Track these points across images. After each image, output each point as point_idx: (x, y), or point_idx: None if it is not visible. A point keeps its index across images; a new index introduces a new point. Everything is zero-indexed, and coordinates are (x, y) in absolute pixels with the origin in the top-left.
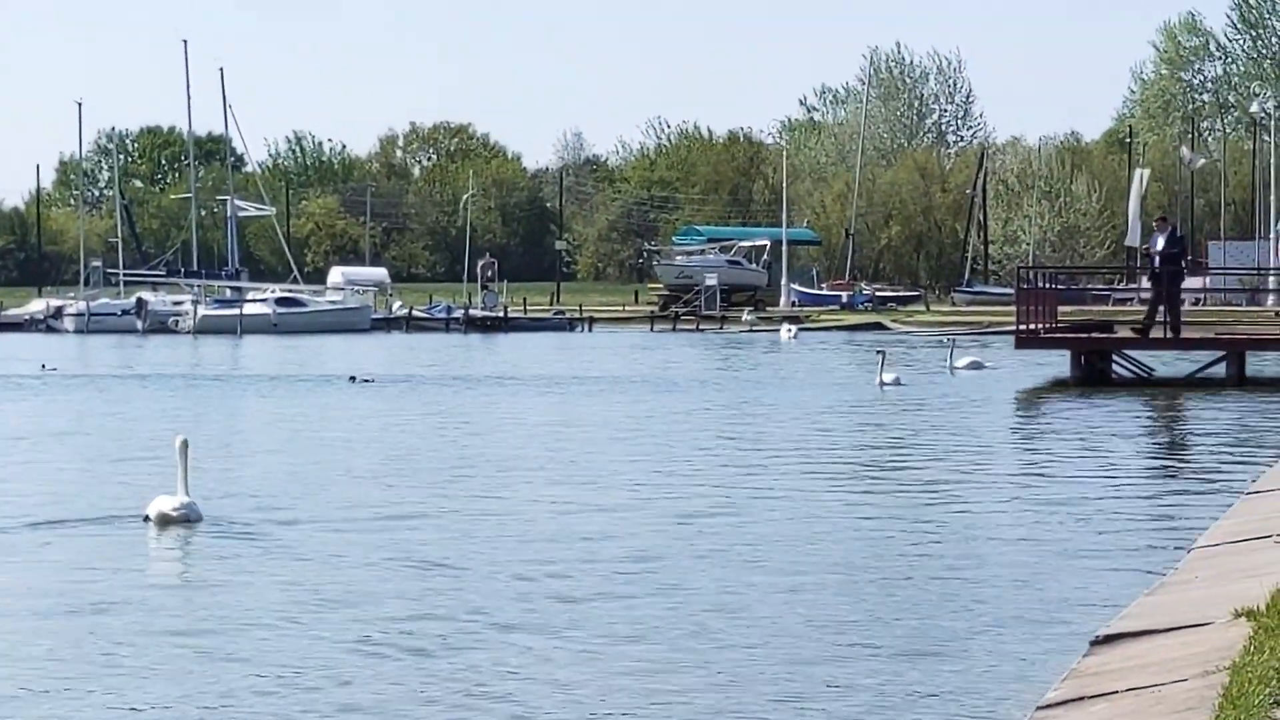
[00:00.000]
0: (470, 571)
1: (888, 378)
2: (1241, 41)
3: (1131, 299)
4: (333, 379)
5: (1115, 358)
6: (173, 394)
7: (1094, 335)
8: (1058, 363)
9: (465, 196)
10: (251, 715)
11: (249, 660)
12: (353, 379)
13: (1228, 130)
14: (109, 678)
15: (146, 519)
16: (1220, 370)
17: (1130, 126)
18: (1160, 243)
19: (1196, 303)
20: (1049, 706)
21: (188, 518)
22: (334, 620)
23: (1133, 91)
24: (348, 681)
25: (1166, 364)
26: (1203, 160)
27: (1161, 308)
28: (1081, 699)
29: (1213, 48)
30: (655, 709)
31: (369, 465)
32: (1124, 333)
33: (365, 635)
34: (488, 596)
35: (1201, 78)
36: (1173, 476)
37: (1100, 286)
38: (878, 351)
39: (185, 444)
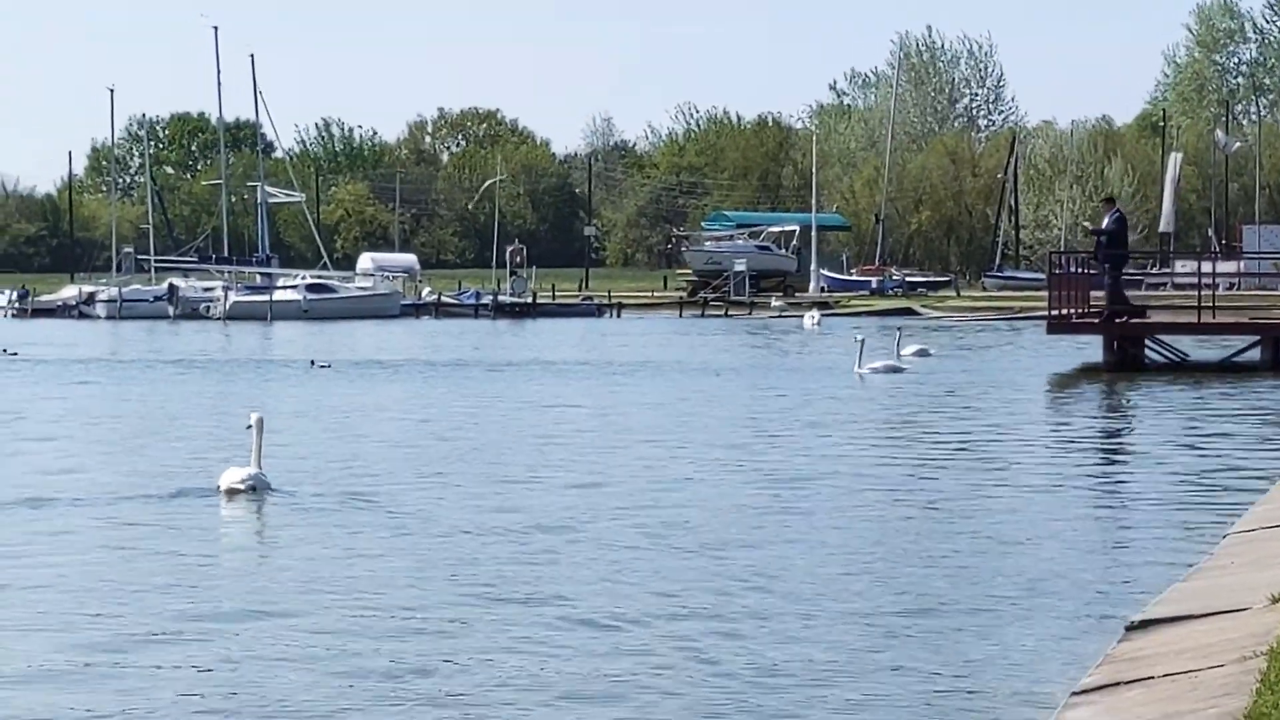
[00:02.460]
0: (507, 539)
1: (877, 364)
2: (1277, 24)
3: (1165, 284)
4: (365, 365)
5: (1148, 343)
6: (221, 378)
7: (1127, 320)
8: (1090, 348)
9: (488, 183)
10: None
11: (310, 615)
12: (313, 363)
13: (1262, 113)
14: (188, 635)
15: (219, 491)
16: (1254, 355)
17: (1164, 110)
18: (1105, 223)
19: (1231, 287)
20: (1084, 692)
21: (255, 488)
22: (412, 581)
23: (1166, 75)
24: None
25: (1204, 347)
26: (1237, 144)
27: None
28: (1117, 684)
29: (1248, 30)
30: (713, 673)
31: (423, 443)
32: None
33: (430, 597)
34: (522, 563)
35: (1236, 60)
36: (1207, 462)
37: (1133, 271)
38: (858, 340)
39: (260, 421)
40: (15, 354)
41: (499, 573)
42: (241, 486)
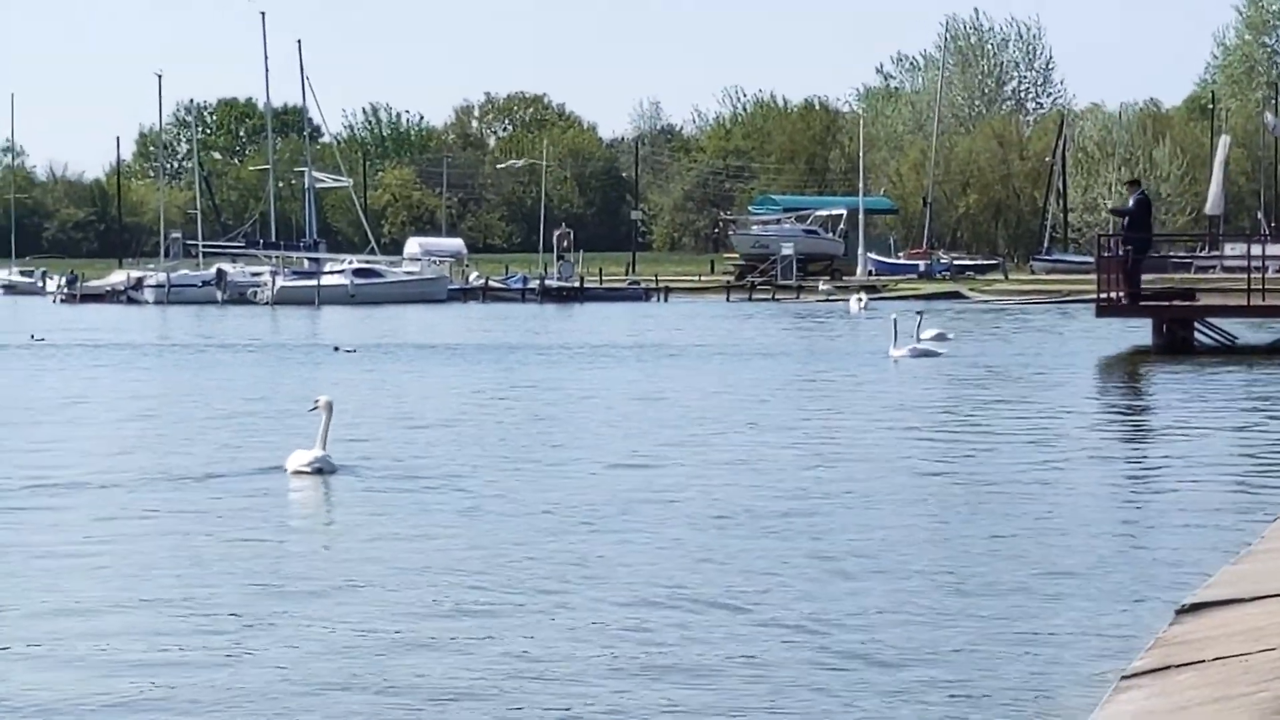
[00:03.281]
0: (563, 518)
1: (906, 349)
2: None
3: (1214, 266)
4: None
5: (1197, 326)
6: (279, 364)
7: (1176, 303)
8: (1139, 331)
9: (521, 163)
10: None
11: (383, 592)
12: (336, 349)
13: None
14: (260, 610)
15: (287, 472)
16: None
17: (1213, 92)
18: (1128, 205)
19: None
20: (1135, 675)
21: (322, 469)
22: (464, 561)
23: (1215, 57)
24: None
25: (1254, 330)
26: None
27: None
28: (1167, 668)
29: None
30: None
31: (478, 425)
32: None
33: (491, 577)
34: (583, 539)
35: None
36: (1256, 445)
37: (1182, 254)
38: (898, 316)
39: (330, 404)
40: (43, 339)
41: (566, 551)
42: (308, 468)
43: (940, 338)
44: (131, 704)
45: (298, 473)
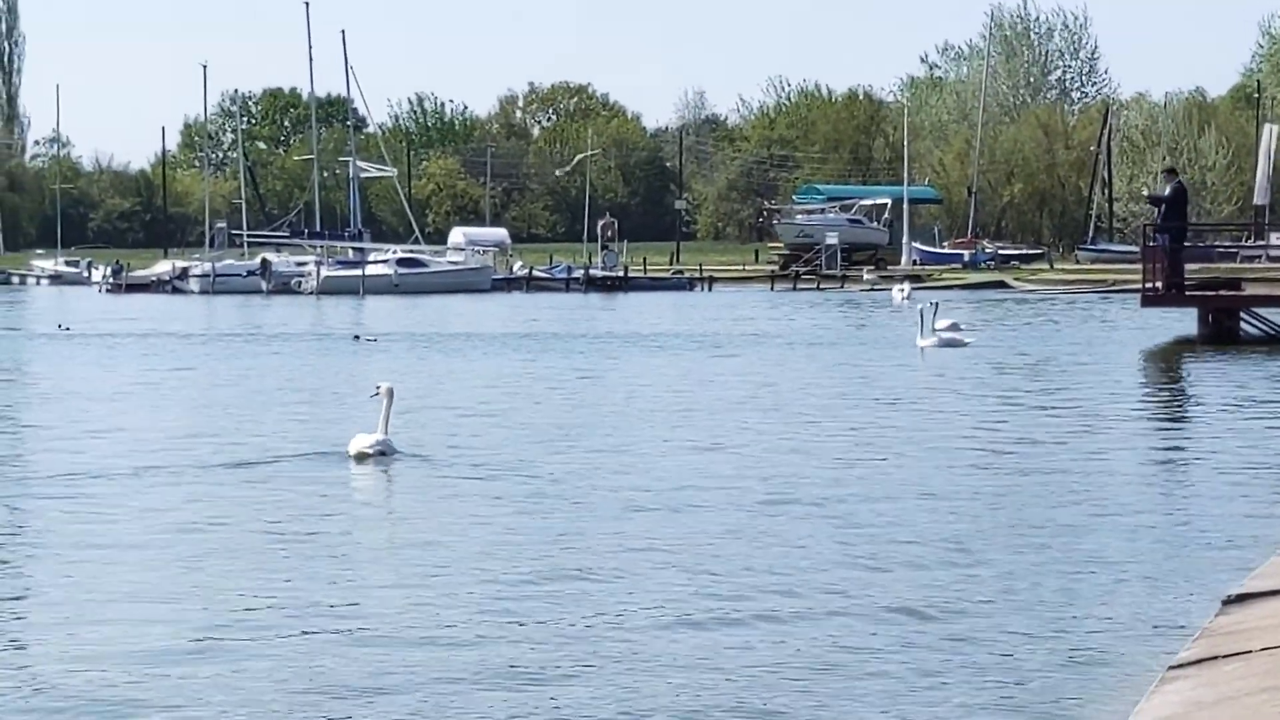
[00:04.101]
0: (623, 501)
1: (928, 341)
2: None
3: (1260, 255)
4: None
5: (1243, 315)
6: (333, 354)
7: (1221, 293)
8: (1185, 321)
9: (580, 156)
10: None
11: (436, 568)
12: (356, 338)
13: None
14: (330, 584)
15: (349, 456)
16: None
17: (1258, 82)
18: (1165, 193)
19: None
20: (1181, 666)
21: (384, 453)
22: (515, 542)
23: (1260, 46)
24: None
25: None
26: None
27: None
28: (1215, 658)
29: None
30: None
31: (530, 412)
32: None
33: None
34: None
35: None
36: None
37: (1227, 243)
38: (926, 305)
39: (391, 390)
40: (69, 329)
41: (629, 534)
42: (370, 451)
43: (954, 328)
44: (192, 685)
45: (360, 455)
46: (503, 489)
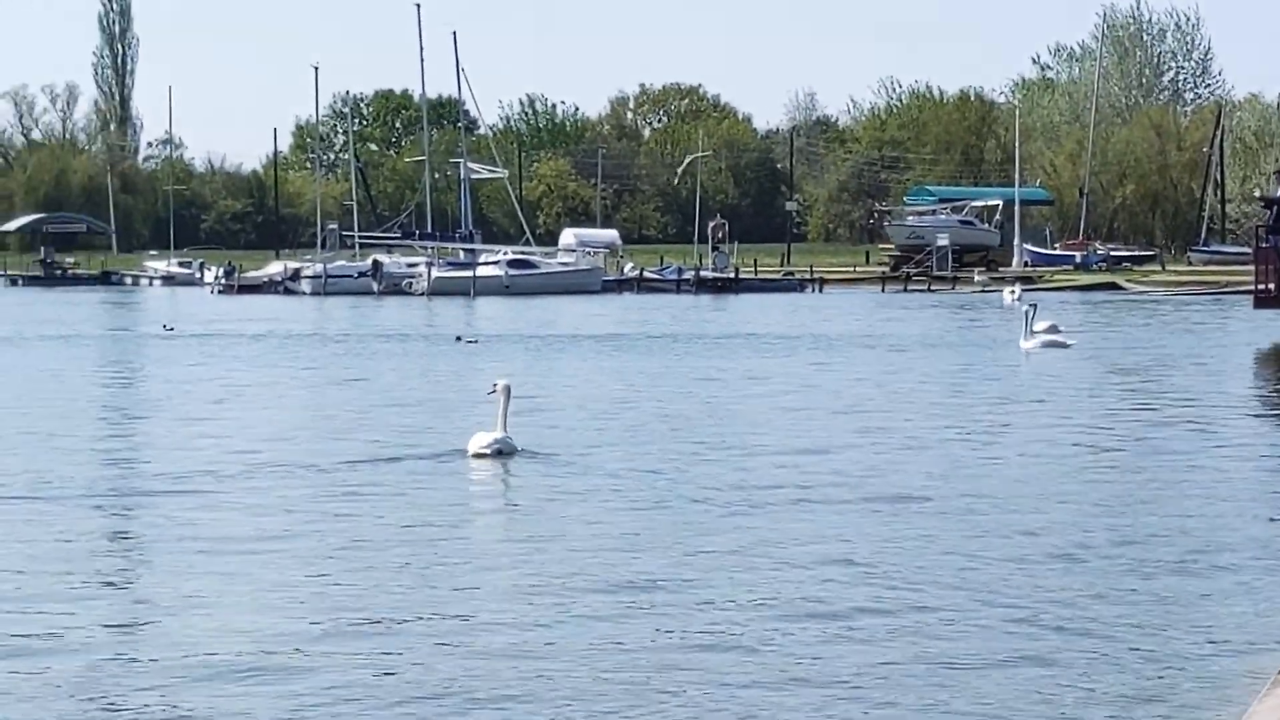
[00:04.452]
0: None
1: (1039, 327)
2: None
3: None
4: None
5: None
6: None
7: None
8: None
9: (690, 157)
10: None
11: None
12: (459, 339)
13: None
14: (449, 579)
15: (468, 454)
16: None
17: None
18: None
19: None
20: None
21: (502, 451)
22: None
23: None
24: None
25: None
26: None
27: None
28: None
29: None
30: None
31: (645, 412)
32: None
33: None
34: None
35: None
36: None
37: None
38: (1027, 306)
39: (508, 388)
40: (172, 329)
41: (745, 534)
42: (488, 450)
43: (1053, 329)
44: (316, 670)
45: (478, 455)
46: (622, 487)
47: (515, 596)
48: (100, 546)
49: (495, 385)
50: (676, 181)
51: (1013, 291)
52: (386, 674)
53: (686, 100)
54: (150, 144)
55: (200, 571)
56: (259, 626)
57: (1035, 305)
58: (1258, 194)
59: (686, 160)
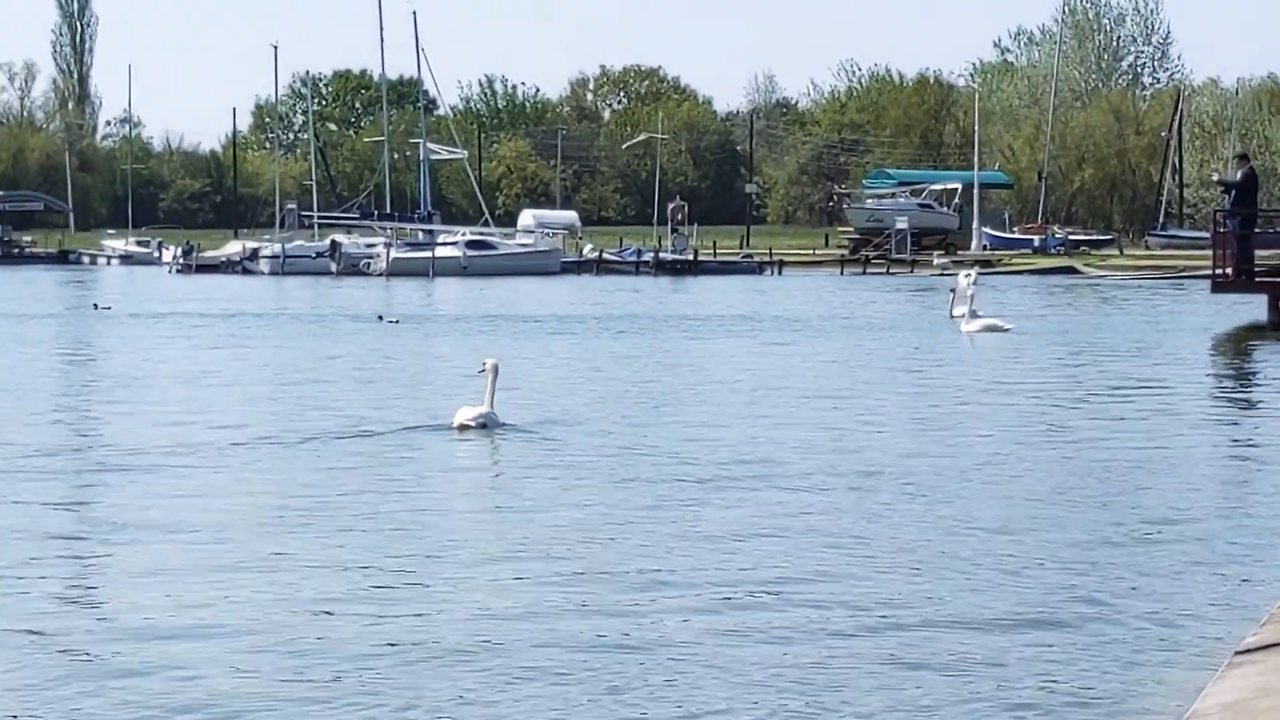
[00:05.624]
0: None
1: (958, 310)
2: None
3: None
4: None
5: None
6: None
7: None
8: (1255, 308)
9: (645, 135)
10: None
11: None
12: (380, 318)
13: None
14: (441, 549)
15: (454, 427)
16: None
17: None
18: (1237, 179)
19: None
20: (1249, 651)
21: (486, 425)
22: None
23: None
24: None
25: None
26: None
27: None
28: None
29: None
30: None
31: (616, 390)
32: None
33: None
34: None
35: None
36: None
37: None
38: (963, 284)
39: (496, 366)
40: (109, 309)
41: (717, 511)
42: (473, 423)
43: (974, 315)
44: (288, 649)
45: (464, 426)
46: (604, 463)
47: (485, 567)
48: (55, 525)
49: (484, 364)
50: (626, 148)
51: (968, 275)
52: (356, 642)
53: (647, 82)
54: (109, 123)
55: (164, 547)
56: (214, 599)
57: (953, 289)
58: (1215, 179)
59: (641, 136)
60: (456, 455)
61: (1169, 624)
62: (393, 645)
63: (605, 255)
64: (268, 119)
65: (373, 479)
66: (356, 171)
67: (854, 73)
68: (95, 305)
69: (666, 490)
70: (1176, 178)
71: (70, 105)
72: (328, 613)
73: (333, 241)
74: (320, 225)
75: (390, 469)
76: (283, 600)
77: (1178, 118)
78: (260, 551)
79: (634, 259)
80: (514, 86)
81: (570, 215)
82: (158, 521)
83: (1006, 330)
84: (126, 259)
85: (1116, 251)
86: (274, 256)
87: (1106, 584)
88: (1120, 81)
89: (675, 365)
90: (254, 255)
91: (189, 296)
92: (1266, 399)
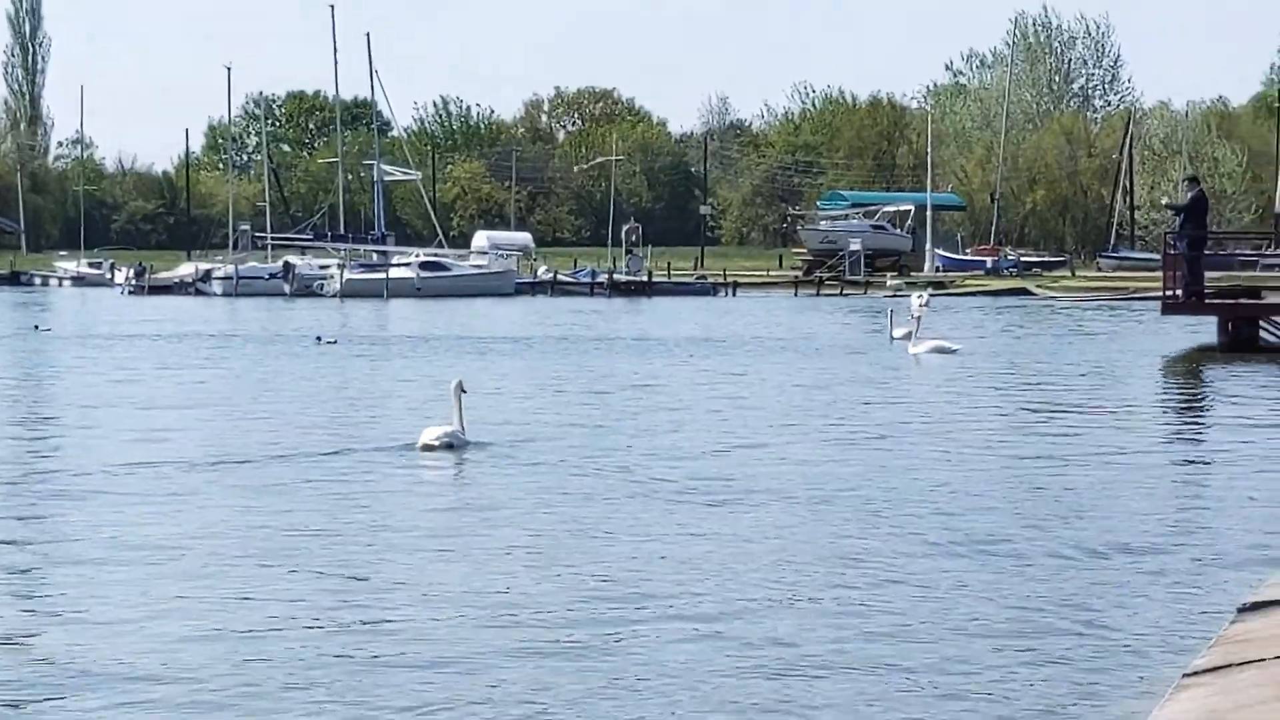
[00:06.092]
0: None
1: (898, 333)
2: None
3: None
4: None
5: (1263, 324)
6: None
7: (1242, 301)
8: (1205, 329)
9: (601, 159)
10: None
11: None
12: (318, 339)
13: None
14: (404, 564)
15: (418, 447)
16: None
17: (1279, 91)
18: (1186, 202)
19: None
20: (1196, 674)
21: (452, 444)
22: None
23: None
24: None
25: None
26: None
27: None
28: (1229, 666)
29: None
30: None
31: (574, 410)
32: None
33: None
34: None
35: None
36: None
37: (1247, 252)
38: (914, 307)
39: (460, 385)
40: (49, 330)
41: (680, 528)
42: (436, 443)
43: (907, 336)
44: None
45: (428, 446)
46: (572, 481)
47: (448, 582)
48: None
49: (452, 384)
50: (580, 170)
51: (920, 297)
52: (307, 665)
53: (601, 104)
54: (61, 143)
55: (145, 565)
56: (164, 631)
57: (892, 310)
58: (1165, 201)
59: (596, 160)
60: (421, 474)
61: (1116, 646)
62: (349, 658)
63: (560, 276)
64: (221, 140)
65: (334, 498)
66: (311, 192)
67: (807, 94)
68: (36, 327)
69: (634, 506)
70: (1127, 199)
71: (22, 126)
72: (280, 629)
73: (286, 263)
74: (274, 246)
75: (353, 487)
76: (234, 616)
77: (1128, 140)
78: (215, 574)
79: (588, 280)
80: (468, 108)
81: (524, 236)
82: (108, 546)
83: (955, 351)
84: (79, 280)
85: (1068, 273)
86: (227, 278)
87: (1053, 606)
88: (1072, 104)
89: (632, 386)
90: (207, 276)
91: (138, 318)
92: (1216, 420)
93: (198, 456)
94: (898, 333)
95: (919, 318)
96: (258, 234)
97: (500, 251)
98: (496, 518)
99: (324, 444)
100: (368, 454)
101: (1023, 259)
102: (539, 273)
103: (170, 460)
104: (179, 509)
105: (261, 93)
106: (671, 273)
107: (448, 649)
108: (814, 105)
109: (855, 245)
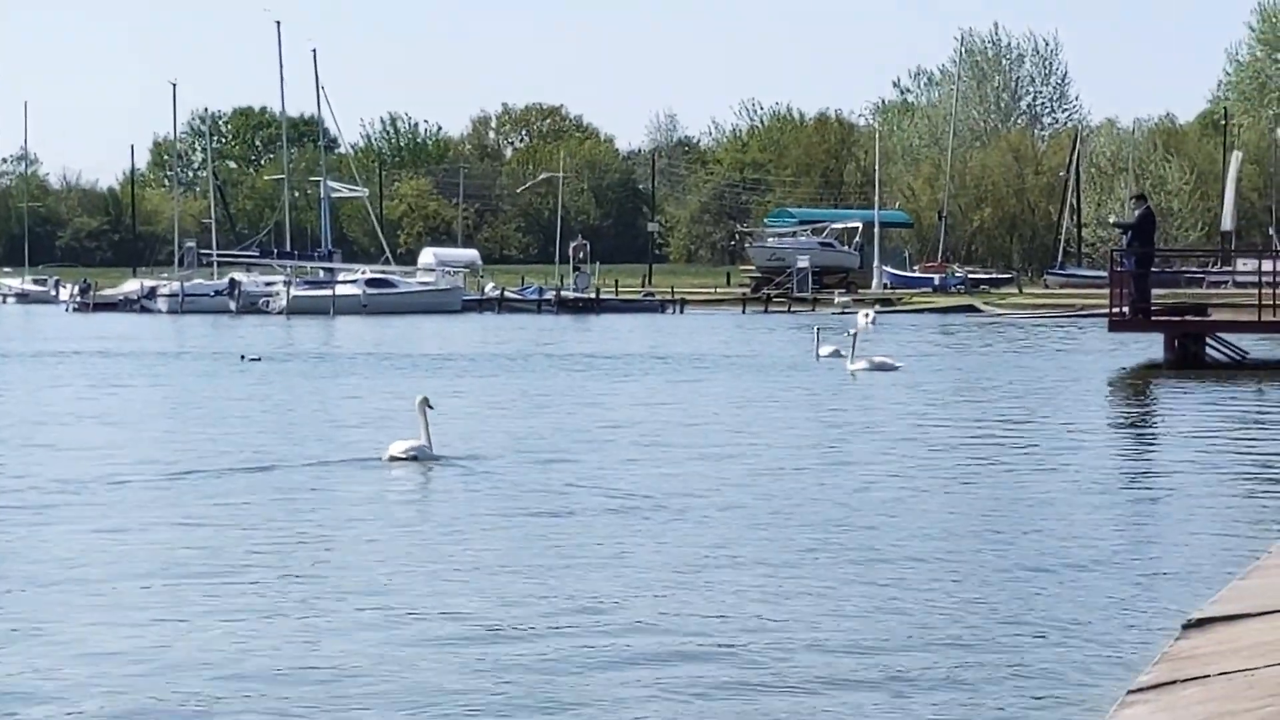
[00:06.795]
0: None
1: (824, 351)
2: None
3: (1226, 281)
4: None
5: (1209, 341)
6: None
7: (1188, 318)
8: (1151, 346)
9: (545, 175)
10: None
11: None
12: (243, 357)
13: None
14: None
15: (385, 460)
16: None
17: (1225, 109)
18: (1133, 219)
19: None
20: (1141, 690)
21: (418, 457)
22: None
23: (1228, 73)
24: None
25: (1264, 346)
26: None
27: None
28: (1173, 683)
29: None
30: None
31: (528, 427)
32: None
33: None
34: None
35: None
36: (1265, 460)
37: (1194, 269)
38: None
39: (425, 400)
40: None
41: (640, 542)
42: (403, 456)
43: (835, 354)
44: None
45: (394, 459)
46: (534, 495)
47: (409, 594)
48: None
49: (417, 400)
50: (524, 189)
51: (867, 314)
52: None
53: (549, 120)
54: (4, 160)
55: (109, 569)
56: (117, 647)
57: (819, 328)
58: (1112, 219)
59: (542, 175)
60: (387, 487)
61: (1061, 662)
62: (313, 669)
63: (507, 294)
64: (166, 156)
65: (299, 511)
66: (257, 209)
67: (755, 111)
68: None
69: (602, 521)
70: (1074, 217)
71: None
72: (245, 647)
73: (231, 280)
74: (219, 263)
75: (318, 501)
76: (200, 630)
77: (1075, 158)
78: (176, 586)
79: (535, 297)
80: (415, 124)
81: (471, 253)
82: (42, 564)
83: (897, 369)
84: (23, 297)
85: (1016, 290)
86: (172, 295)
87: (997, 623)
88: (1019, 121)
89: (584, 404)
90: (152, 294)
91: (82, 335)
92: (1162, 436)
93: (149, 472)
94: (824, 350)
95: (856, 334)
96: (203, 251)
97: (447, 269)
98: (462, 530)
99: (279, 458)
100: (334, 466)
101: (969, 276)
102: (486, 290)
103: (127, 477)
104: (135, 527)
105: (207, 109)
106: (619, 290)
107: (411, 667)
108: (762, 122)
109: (803, 262)
